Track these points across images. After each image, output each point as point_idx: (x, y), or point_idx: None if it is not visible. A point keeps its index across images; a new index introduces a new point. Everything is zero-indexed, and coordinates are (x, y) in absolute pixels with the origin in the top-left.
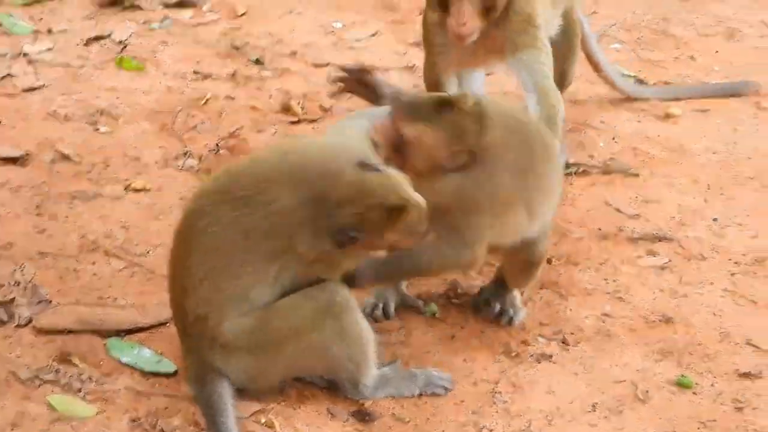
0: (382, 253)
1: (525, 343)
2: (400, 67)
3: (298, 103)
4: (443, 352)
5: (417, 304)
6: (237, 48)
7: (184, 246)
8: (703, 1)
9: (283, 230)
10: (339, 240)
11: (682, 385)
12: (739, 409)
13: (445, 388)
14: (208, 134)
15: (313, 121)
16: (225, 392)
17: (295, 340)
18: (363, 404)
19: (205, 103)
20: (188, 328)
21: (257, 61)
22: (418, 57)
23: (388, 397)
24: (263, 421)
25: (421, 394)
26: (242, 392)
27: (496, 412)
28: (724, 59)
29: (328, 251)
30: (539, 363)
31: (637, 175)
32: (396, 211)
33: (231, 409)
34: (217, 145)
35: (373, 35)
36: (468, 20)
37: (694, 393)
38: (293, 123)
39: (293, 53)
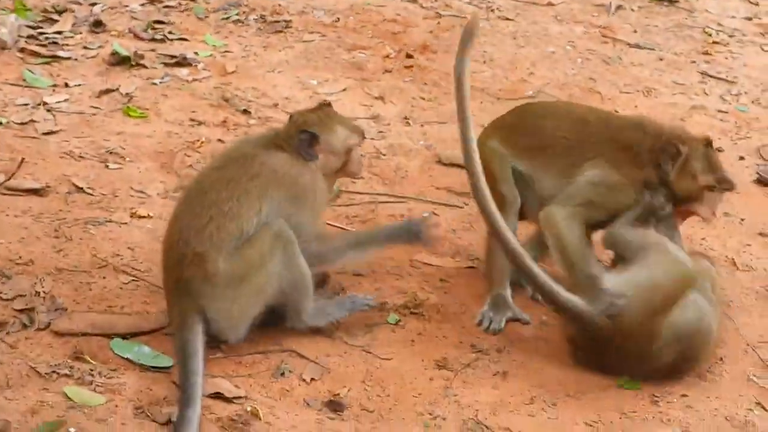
0: None
1: (473, 346)
2: (367, 117)
3: None
4: (404, 354)
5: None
6: (227, 100)
7: (190, 200)
8: (624, 64)
9: None
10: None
11: (624, 386)
12: (655, 402)
13: (368, 305)
14: None
15: None
16: (198, 338)
17: (260, 269)
18: (337, 395)
19: (200, 145)
20: (184, 270)
21: (245, 111)
22: (381, 108)
23: (326, 324)
24: (249, 409)
25: (350, 313)
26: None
27: (449, 403)
28: (642, 113)
29: None
30: (487, 365)
31: None
32: None
33: (201, 353)
34: None
35: (344, 90)
36: None
37: (620, 387)
38: None
39: (275, 105)
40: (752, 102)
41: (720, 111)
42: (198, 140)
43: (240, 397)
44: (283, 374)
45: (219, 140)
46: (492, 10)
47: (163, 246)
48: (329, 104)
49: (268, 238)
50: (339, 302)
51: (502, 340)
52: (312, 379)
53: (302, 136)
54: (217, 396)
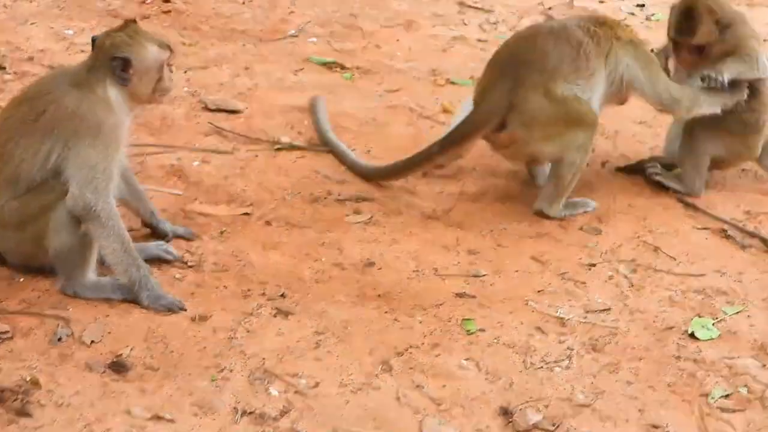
0: None
1: (256, 295)
2: None
3: None
4: (190, 304)
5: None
6: None
7: None
8: None
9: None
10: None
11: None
12: (433, 333)
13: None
14: None
15: None
16: None
17: (38, 219)
18: (119, 355)
19: None
20: None
21: None
22: None
23: (98, 298)
24: (28, 378)
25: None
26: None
27: (234, 354)
28: (405, 46)
29: None
30: (270, 312)
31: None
32: None
33: None
34: None
35: None
36: None
37: (396, 320)
38: None
39: (30, 58)
40: (510, 30)
41: (480, 40)
42: None
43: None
44: (60, 339)
45: None
46: None
47: None
48: (134, 21)
49: (55, 191)
50: (119, 285)
51: (282, 285)
52: (92, 341)
53: (114, 63)
54: None
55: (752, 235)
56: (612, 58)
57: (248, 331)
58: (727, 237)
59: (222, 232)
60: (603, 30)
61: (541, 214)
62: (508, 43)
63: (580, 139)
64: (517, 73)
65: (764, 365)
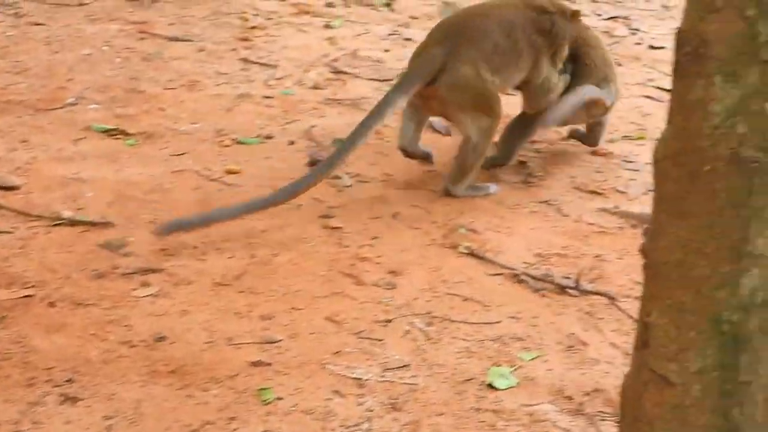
0: None
1: (41, 383)
2: None
3: None
4: None
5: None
6: None
7: None
8: (165, 59)
9: None
10: None
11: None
12: (229, 407)
13: None
14: None
15: None
16: None
17: None
18: None
19: None
20: None
21: None
22: None
23: None
24: None
25: None
26: None
27: None
28: (189, 107)
29: None
30: (57, 399)
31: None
32: None
33: None
34: None
35: None
36: None
37: (190, 396)
38: None
39: None
40: (295, 84)
41: (266, 97)
42: None
43: None
44: None
45: None
46: (20, 16)
47: None
48: None
49: None
50: None
51: (69, 369)
52: None
53: None
54: None
55: (543, 279)
56: (536, 70)
57: (34, 423)
58: (520, 281)
59: (2, 318)
60: (543, 39)
61: (448, 194)
62: (460, 14)
63: (483, 123)
64: (459, 42)
65: (562, 410)
